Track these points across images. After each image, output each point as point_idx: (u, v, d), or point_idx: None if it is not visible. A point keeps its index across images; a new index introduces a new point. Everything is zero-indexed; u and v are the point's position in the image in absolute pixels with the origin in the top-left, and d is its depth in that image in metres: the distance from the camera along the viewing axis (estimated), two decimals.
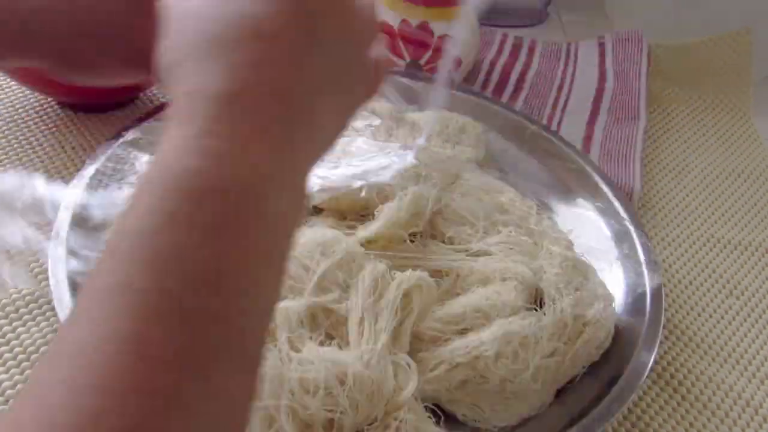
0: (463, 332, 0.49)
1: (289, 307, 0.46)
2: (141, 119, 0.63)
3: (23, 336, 0.51)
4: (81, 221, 0.55)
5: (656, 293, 0.55)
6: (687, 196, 0.72)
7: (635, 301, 0.55)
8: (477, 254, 0.55)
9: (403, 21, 0.73)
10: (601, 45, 0.89)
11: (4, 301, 0.53)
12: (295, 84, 0.26)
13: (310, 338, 0.46)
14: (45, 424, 0.19)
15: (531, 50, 0.89)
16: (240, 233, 0.23)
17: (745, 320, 0.60)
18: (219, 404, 0.21)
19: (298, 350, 0.44)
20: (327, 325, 0.48)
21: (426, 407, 0.47)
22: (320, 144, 0.29)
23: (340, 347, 0.46)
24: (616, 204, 0.62)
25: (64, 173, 0.63)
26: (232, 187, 0.23)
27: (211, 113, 0.23)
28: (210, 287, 0.21)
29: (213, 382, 0.21)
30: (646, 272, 0.57)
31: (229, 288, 0.22)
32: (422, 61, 0.75)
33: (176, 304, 0.21)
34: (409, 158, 0.54)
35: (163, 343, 0.20)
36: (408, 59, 0.75)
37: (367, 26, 0.30)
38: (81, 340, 0.20)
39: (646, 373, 0.50)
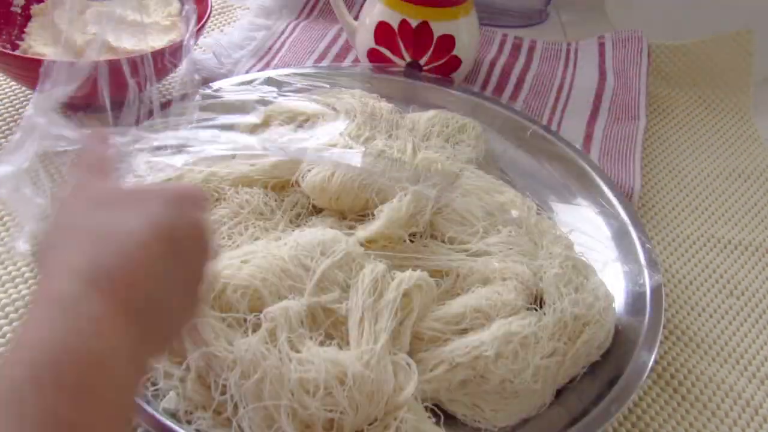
0: (463, 332, 0.49)
1: (289, 307, 0.46)
2: (141, 119, 0.63)
3: None
4: None
5: (656, 293, 0.55)
6: (687, 196, 0.72)
7: (635, 301, 0.55)
8: (477, 254, 0.55)
9: (403, 21, 0.73)
10: (601, 45, 0.89)
11: (4, 300, 0.53)
12: (154, 285, 0.32)
13: (310, 338, 0.46)
14: None
15: (531, 50, 0.89)
16: (93, 394, 0.28)
17: (745, 320, 0.60)
18: None
19: (298, 350, 0.44)
20: (327, 325, 0.47)
21: (426, 407, 0.47)
22: (167, 334, 0.35)
23: (340, 347, 0.46)
24: (616, 204, 0.62)
25: (64, 173, 0.63)
26: (87, 358, 0.28)
27: (80, 297, 0.29)
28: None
29: None
30: (646, 272, 0.57)
31: None
32: (422, 61, 0.75)
33: None
34: (355, 159, 0.55)
35: None
36: (408, 59, 0.75)
37: (207, 244, 0.37)
38: None
39: (646, 373, 0.50)
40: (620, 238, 0.60)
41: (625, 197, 0.65)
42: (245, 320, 0.45)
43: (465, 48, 0.76)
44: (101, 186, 0.36)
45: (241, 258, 0.48)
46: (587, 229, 0.62)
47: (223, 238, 0.54)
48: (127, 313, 0.30)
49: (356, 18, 0.79)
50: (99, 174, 0.37)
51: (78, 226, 0.33)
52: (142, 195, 0.35)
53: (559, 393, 0.51)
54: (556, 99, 0.81)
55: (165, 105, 0.66)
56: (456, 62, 0.76)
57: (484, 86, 0.82)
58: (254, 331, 0.45)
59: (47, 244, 0.33)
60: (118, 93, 0.68)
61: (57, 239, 0.33)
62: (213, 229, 0.38)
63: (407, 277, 0.49)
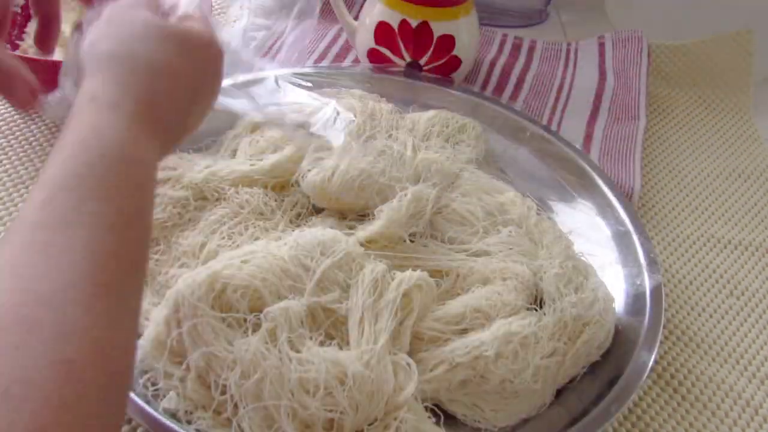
0: (463, 332, 0.49)
1: (289, 307, 0.46)
2: None
3: None
4: None
5: (656, 293, 0.55)
6: (687, 196, 0.72)
7: (635, 301, 0.55)
8: (477, 254, 0.55)
9: (403, 21, 0.73)
10: (601, 45, 0.89)
11: None
12: (178, 108, 0.40)
13: (310, 338, 0.46)
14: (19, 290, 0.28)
15: (531, 50, 0.89)
16: (132, 185, 0.34)
17: (745, 320, 0.60)
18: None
19: (298, 350, 0.44)
20: (327, 325, 0.47)
21: (426, 407, 0.47)
22: (183, 136, 0.43)
23: (340, 347, 0.46)
24: (616, 204, 0.62)
25: None
26: (126, 158, 0.35)
27: (120, 115, 0.36)
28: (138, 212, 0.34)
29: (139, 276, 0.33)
30: (646, 272, 0.57)
31: (131, 221, 0.34)
32: (422, 61, 0.75)
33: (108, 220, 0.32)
34: (337, 138, 0.55)
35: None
36: (408, 59, 0.75)
37: (220, 62, 0.44)
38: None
39: (646, 373, 0.50)
40: (620, 238, 0.60)
41: (625, 197, 0.65)
42: (245, 320, 0.45)
43: (465, 48, 0.76)
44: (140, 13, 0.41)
45: (241, 258, 0.48)
46: (587, 229, 0.62)
47: (223, 238, 0.54)
48: (149, 130, 0.37)
49: (356, 18, 0.79)
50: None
51: (131, 48, 0.39)
52: (177, 34, 0.41)
53: (559, 393, 0.51)
54: (556, 99, 0.81)
55: None
56: (456, 62, 0.76)
57: (484, 86, 0.82)
58: (254, 331, 0.45)
59: (99, 48, 0.39)
60: None
61: (113, 46, 0.39)
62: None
63: (407, 277, 0.49)
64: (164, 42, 0.40)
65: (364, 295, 0.48)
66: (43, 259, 0.29)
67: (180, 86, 0.40)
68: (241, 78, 0.58)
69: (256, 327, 0.45)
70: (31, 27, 0.71)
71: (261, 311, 0.46)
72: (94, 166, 0.33)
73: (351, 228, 0.56)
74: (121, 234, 0.32)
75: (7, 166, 0.63)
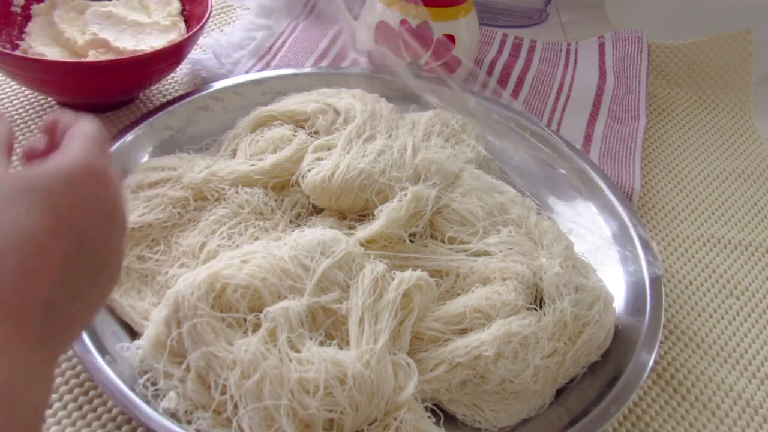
0: (463, 332, 0.49)
1: (289, 307, 0.46)
2: (141, 119, 0.64)
3: None
4: None
5: (656, 293, 0.55)
6: (687, 196, 0.72)
7: (635, 301, 0.55)
8: (477, 254, 0.55)
9: (403, 21, 0.73)
10: (601, 45, 0.89)
11: None
12: (58, 290, 0.28)
13: (310, 338, 0.46)
14: None
15: (531, 50, 0.89)
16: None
17: (745, 320, 0.60)
18: None
19: (298, 350, 0.44)
20: (327, 325, 0.47)
21: (426, 407, 0.47)
22: (77, 331, 0.32)
23: (340, 347, 0.46)
24: (616, 204, 0.62)
25: None
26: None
27: None
28: None
29: None
30: (646, 272, 0.57)
31: None
32: (422, 61, 0.75)
33: None
34: None
35: None
36: (408, 59, 0.75)
37: (121, 222, 0.32)
38: None
39: (646, 373, 0.50)
40: (620, 237, 0.60)
41: (625, 197, 0.65)
42: (245, 320, 0.45)
43: (465, 48, 0.76)
44: None
45: (241, 258, 0.48)
46: (587, 229, 0.62)
47: (223, 238, 0.54)
48: (25, 341, 0.27)
49: (356, 18, 0.79)
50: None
51: None
52: (30, 184, 0.29)
53: (559, 393, 0.51)
54: (556, 99, 0.81)
55: (165, 105, 0.66)
56: (456, 62, 0.76)
57: (484, 86, 0.82)
58: (254, 331, 0.45)
59: None
60: (118, 93, 0.69)
61: None
62: (121, 197, 0.33)
63: (407, 277, 0.49)
64: (15, 204, 0.28)
65: (364, 295, 0.48)
66: None
67: (56, 265, 0.28)
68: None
69: (256, 327, 0.45)
70: (31, 27, 0.71)
71: (261, 311, 0.46)
72: None
73: (351, 228, 0.56)
74: None
75: None
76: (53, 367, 0.30)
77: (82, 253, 0.29)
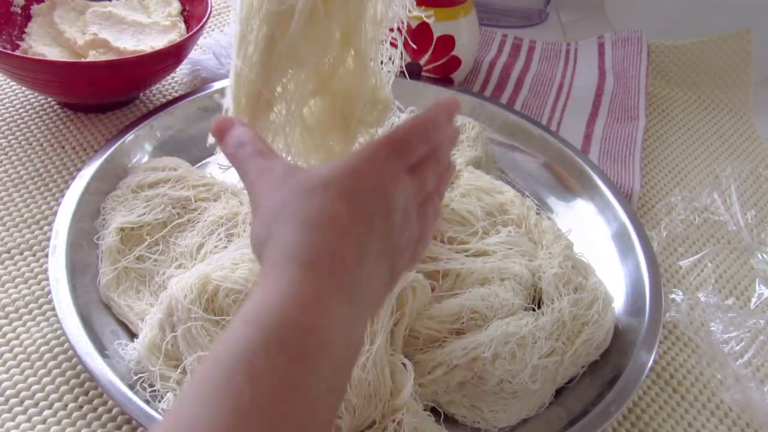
0: (459, 332, 0.49)
1: None
2: (141, 119, 0.64)
3: (23, 336, 0.51)
4: (81, 217, 0.55)
5: (656, 293, 0.55)
6: (687, 196, 0.72)
7: (635, 301, 0.55)
8: (476, 254, 0.55)
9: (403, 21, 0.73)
10: (601, 45, 0.89)
11: (4, 300, 0.53)
12: (357, 263, 0.34)
13: None
14: None
15: (531, 50, 0.89)
16: (311, 363, 0.31)
17: (745, 320, 0.60)
18: None
19: None
20: None
21: (426, 407, 0.47)
22: (373, 304, 0.38)
23: None
24: (616, 204, 0.62)
25: (64, 173, 0.63)
26: (311, 330, 0.31)
27: (297, 278, 0.32)
28: (286, 398, 0.29)
29: None
30: (645, 272, 0.57)
31: (298, 403, 0.29)
32: (422, 61, 0.75)
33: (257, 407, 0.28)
34: None
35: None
36: (408, 59, 0.75)
37: (408, 220, 0.38)
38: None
39: (645, 373, 0.50)
40: (620, 237, 0.60)
41: (625, 197, 0.65)
42: None
43: (465, 48, 0.76)
44: (285, 168, 0.37)
45: (231, 260, 0.48)
46: (587, 229, 0.62)
47: (221, 239, 0.54)
48: (340, 294, 0.33)
49: None
50: (268, 155, 0.39)
51: (283, 215, 0.35)
52: (323, 180, 0.36)
53: (558, 393, 0.51)
54: (556, 99, 0.81)
55: (165, 105, 0.66)
56: (456, 62, 0.76)
57: (484, 86, 0.82)
58: None
59: (260, 237, 0.36)
60: (118, 93, 0.69)
61: (268, 230, 0.35)
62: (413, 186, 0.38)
63: (402, 278, 0.49)
64: (315, 195, 0.36)
65: None
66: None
67: (354, 242, 0.35)
68: None
69: None
70: (31, 27, 0.71)
71: None
72: (263, 343, 0.30)
73: None
74: (264, 412, 0.28)
75: (7, 166, 0.63)
76: (363, 325, 0.36)
77: (371, 237, 0.35)
